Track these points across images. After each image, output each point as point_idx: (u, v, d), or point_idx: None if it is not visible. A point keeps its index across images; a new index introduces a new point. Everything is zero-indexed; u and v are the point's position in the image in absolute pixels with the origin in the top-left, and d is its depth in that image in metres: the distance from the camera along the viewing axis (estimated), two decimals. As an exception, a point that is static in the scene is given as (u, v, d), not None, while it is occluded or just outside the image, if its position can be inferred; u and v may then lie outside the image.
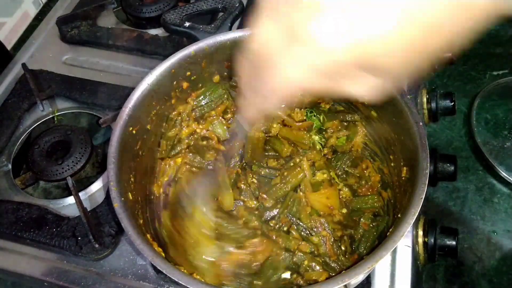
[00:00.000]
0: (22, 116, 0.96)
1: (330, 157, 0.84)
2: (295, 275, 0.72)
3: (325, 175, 0.80)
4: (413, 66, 0.42)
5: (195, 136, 0.86)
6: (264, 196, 0.78)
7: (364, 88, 0.44)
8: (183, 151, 0.85)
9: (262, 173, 0.81)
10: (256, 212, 0.78)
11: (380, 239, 0.70)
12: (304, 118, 0.85)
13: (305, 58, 0.42)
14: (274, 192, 0.78)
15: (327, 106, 0.85)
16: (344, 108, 0.84)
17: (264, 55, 0.45)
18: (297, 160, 0.81)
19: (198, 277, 0.69)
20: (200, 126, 0.86)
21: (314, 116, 0.86)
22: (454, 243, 0.76)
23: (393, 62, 0.41)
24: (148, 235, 0.69)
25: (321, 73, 0.42)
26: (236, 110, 0.57)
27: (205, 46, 0.79)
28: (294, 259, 0.72)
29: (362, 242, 0.73)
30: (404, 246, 0.76)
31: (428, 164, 0.64)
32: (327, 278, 0.67)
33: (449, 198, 0.92)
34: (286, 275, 0.72)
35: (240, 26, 1.05)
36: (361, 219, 0.75)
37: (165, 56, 0.78)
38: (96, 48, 1.08)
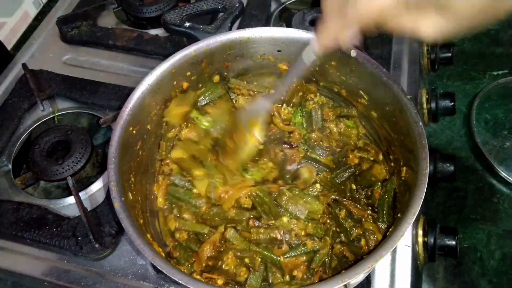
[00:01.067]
0: (22, 116, 0.96)
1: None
2: None
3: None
4: (484, 14, 0.47)
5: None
6: None
7: (432, 27, 0.50)
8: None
9: None
10: None
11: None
12: (290, 116, 0.86)
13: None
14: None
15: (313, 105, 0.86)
16: (342, 105, 0.85)
17: None
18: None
19: (198, 277, 0.69)
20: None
21: (300, 116, 0.86)
22: (454, 243, 0.76)
23: (467, 6, 0.47)
24: (148, 235, 0.69)
25: (403, 4, 0.49)
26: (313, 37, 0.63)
27: (205, 46, 0.79)
28: None
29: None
30: (404, 246, 0.76)
31: (428, 164, 0.64)
32: (325, 279, 0.67)
33: (449, 198, 0.92)
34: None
35: (240, 26, 1.05)
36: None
37: (165, 56, 0.78)
38: (96, 48, 1.08)
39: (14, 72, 1.04)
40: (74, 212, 0.81)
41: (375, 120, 0.80)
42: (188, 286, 0.58)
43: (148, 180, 0.81)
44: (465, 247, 0.86)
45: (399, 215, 0.66)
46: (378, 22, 0.52)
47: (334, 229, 0.74)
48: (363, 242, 0.72)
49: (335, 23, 0.57)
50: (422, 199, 0.61)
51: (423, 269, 0.82)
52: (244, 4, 1.07)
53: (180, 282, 0.58)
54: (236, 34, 0.80)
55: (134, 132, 0.74)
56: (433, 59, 1.02)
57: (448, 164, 0.84)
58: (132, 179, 0.73)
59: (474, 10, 0.47)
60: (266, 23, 1.07)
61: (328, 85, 0.84)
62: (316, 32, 0.61)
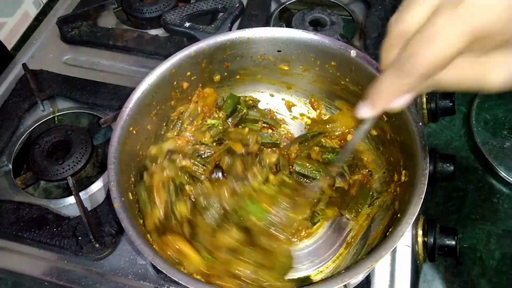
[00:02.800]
0: (22, 116, 0.96)
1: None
2: None
3: None
4: None
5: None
6: None
7: (500, 71, 0.42)
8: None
9: None
10: None
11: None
12: None
13: (459, 21, 0.39)
14: None
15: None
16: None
17: (412, 25, 0.43)
18: None
19: (198, 276, 0.69)
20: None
21: None
22: (453, 242, 0.77)
23: None
24: (148, 235, 0.69)
25: (472, 41, 0.39)
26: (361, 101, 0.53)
27: (205, 46, 0.79)
28: None
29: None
30: (403, 246, 0.76)
31: (428, 164, 0.64)
32: (325, 279, 0.67)
33: (448, 198, 0.92)
34: None
35: (240, 26, 1.05)
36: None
37: (165, 56, 0.78)
38: (96, 48, 1.08)
39: (15, 72, 1.05)
40: (74, 212, 0.81)
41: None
42: (188, 286, 0.58)
43: (149, 180, 0.81)
44: (465, 247, 0.86)
45: (398, 215, 0.66)
46: (437, 78, 0.43)
47: None
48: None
49: (391, 82, 0.46)
50: (422, 199, 0.61)
51: (422, 269, 0.82)
52: (244, 4, 1.08)
53: (180, 282, 0.58)
54: (236, 34, 0.80)
55: (134, 132, 0.74)
56: (433, 59, 1.01)
57: (448, 164, 0.84)
58: (132, 179, 0.73)
59: None
60: (266, 23, 1.07)
61: (327, 87, 0.84)
62: (370, 92, 0.51)
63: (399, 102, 0.48)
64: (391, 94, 0.47)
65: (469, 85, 0.43)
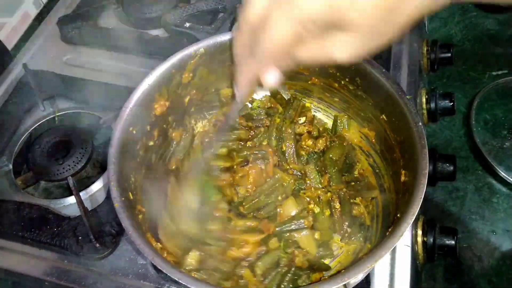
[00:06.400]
0: (23, 116, 0.96)
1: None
2: None
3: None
4: (384, 26, 0.47)
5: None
6: None
7: (342, 47, 0.49)
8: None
9: None
10: None
11: None
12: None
13: (289, 13, 0.47)
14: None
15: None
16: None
17: (255, 20, 0.51)
18: None
19: (196, 275, 0.69)
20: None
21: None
22: (453, 242, 0.77)
23: (363, 18, 0.46)
24: (148, 234, 0.69)
25: (304, 29, 0.48)
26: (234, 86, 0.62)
27: (205, 46, 0.79)
28: None
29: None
30: (403, 246, 0.76)
31: (428, 164, 0.64)
32: (325, 279, 0.67)
33: (448, 198, 0.92)
34: None
35: (240, 27, 1.05)
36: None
37: (165, 56, 0.78)
38: (96, 48, 1.08)
39: (15, 72, 1.05)
40: (75, 212, 0.81)
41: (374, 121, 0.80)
42: (188, 285, 0.58)
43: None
44: (464, 247, 0.86)
45: (398, 215, 0.66)
46: (290, 57, 0.52)
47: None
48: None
49: (249, 66, 0.56)
50: (422, 199, 0.61)
51: (422, 269, 0.82)
52: (244, 4, 1.08)
53: (180, 281, 0.58)
54: (236, 34, 0.80)
55: (134, 132, 0.74)
56: (433, 59, 1.02)
57: (447, 164, 0.84)
58: (132, 179, 0.73)
59: (371, 23, 0.47)
60: (266, 23, 1.07)
61: (327, 87, 0.84)
62: (235, 82, 0.60)
63: (269, 79, 0.55)
64: (251, 76, 0.56)
65: (321, 60, 0.51)
